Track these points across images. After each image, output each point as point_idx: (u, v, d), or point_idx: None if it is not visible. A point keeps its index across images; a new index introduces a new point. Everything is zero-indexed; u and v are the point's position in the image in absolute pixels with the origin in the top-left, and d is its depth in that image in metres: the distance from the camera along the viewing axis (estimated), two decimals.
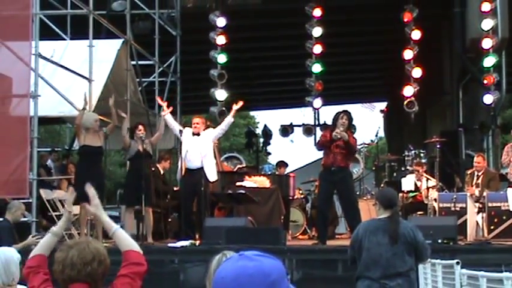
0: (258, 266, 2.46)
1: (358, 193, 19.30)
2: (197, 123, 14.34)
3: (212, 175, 14.28)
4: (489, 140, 20.45)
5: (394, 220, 7.49)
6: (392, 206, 7.62)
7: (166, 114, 14.57)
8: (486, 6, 18.42)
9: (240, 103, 14.83)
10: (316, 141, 14.10)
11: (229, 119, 14.65)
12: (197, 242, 13.16)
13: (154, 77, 19.48)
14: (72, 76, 14.85)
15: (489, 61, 18.74)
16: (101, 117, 14.03)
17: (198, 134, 14.16)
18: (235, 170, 17.93)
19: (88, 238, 4.12)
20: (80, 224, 13.88)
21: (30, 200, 13.39)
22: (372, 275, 7.36)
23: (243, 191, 14.75)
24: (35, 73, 13.52)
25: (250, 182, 15.83)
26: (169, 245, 13.19)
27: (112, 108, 14.03)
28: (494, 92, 18.90)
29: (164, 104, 14.82)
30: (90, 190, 4.39)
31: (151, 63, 19.30)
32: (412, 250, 7.42)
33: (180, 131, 14.31)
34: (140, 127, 14.37)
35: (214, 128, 14.95)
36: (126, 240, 4.26)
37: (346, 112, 14.07)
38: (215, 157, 16.28)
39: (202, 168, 13.99)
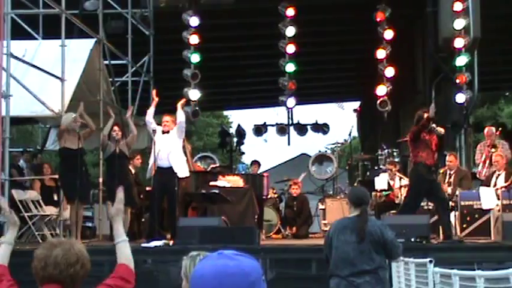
0: (239, 265, 2.46)
1: (331, 192, 19.36)
2: (167, 122, 14.31)
3: (182, 171, 14.23)
4: (461, 139, 20.55)
5: (361, 218, 7.53)
6: (362, 204, 7.64)
7: (153, 109, 14.54)
8: (458, 6, 18.51)
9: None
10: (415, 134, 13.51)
11: (178, 112, 14.49)
12: (170, 242, 13.14)
13: (127, 77, 19.42)
14: (44, 76, 14.76)
15: (461, 60, 18.84)
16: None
17: (168, 132, 14.14)
18: (208, 169, 17.91)
19: (72, 239, 4.11)
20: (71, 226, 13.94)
21: None
22: (341, 273, 7.43)
23: (216, 191, 14.74)
24: (7, 73, 13.41)
25: (223, 181, 15.82)
26: (143, 245, 13.14)
27: (84, 115, 13.99)
28: (467, 91, 19.01)
29: (156, 99, 14.69)
30: (120, 194, 4.44)
31: (124, 62, 19.24)
32: (380, 248, 7.45)
33: (154, 131, 14.29)
34: (115, 128, 14.37)
35: None
36: (126, 254, 4.31)
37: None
38: (187, 158, 16.29)
39: (171, 167, 13.97)
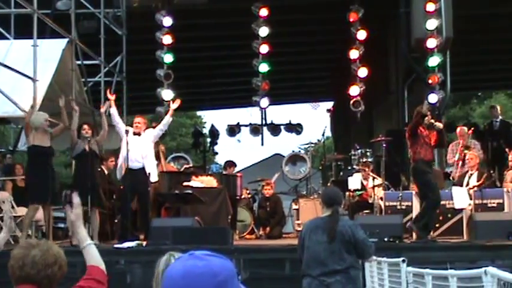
0: (207, 265, 2.44)
1: (304, 192, 19.36)
2: (138, 123, 14.34)
3: (153, 175, 14.26)
4: None
5: (333, 218, 7.55)
6: (333, 204, 7.67)
7: (113, 108, 14.50)
8: (431, 7, 18.59)
9: (178, 101, 14.90)
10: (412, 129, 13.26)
11: (167, 119, 14.65)
12: (144, 243, 13.10)
13: (100, 77, 19.32)
14: (16, 76, 14.65)
15: (434, 61, 18.92)
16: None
17: (139, 134, 14.13)
18: (182, 170, 17.87)
19: (48, 241, 4.10)
20: (23, 225, 13.76)
21: None
22: (312, 273, 7.48)
23: (190, 191, 14.70)
24: None
25: (197, 182, 15.79)
26: (116, 245, 13.09)
27: (62, 109, 13.92)
28: (439, 91, 19.09)
29: (112, 98, 14.68)
30: (76, 199, 4.38)
31: (96, 63, 19.14)
32: (351, 248, 7.48)
33: (126, 131, 14.23)
34: (85, 126, 14.28)
35: (154, 128, 14.92)
36: (95, 256, 4.28)
37: (429, 107, 13.85)
38: (159, 159, 16.26)
39: (143, 168, 13.97)
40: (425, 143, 13.19)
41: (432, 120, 13.46)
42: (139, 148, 14.02)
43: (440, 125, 13.71)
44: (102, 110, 14.86)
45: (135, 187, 13.97)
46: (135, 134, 14.16)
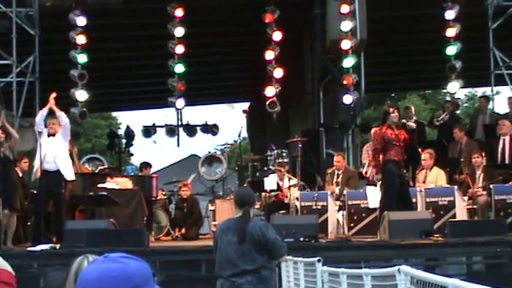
0: (122, 268, 2.41)
1: (221, 193, 19.35)
2: (53, 124, 14.07)
3: (69, 174, 14.05)
4: (349, 139, 20.86)
5: (243, 219, 7.59)
6: (244, 205, 7.70)
7: (46, 110, 14.24)
8: (345, 8, 18.78)
9: (53, 94, 14.57)
10: (377, 141, 13.34)
11: (58, 113, 14.31)
12: (57, 246, 12.90)
13: (12, 77, 18.97)
14: None
15: (348, 62, 19.12)
16: None
17: (54, 135, 13.91)
18: (96, 171, 17.68)
19: None
20: None
21: None
22: (224, 274, 7.52)
23: (104, 193, 14.54)
24: None
25: (112, 183, 15.63)
26: (29, 248, 12.86)
27: None
28: (354, 92, 19.29)
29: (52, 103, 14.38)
30: None
31: (8, 63, 18.79)
32: (262, 248, 7.50)
33: (40, 133, 13.98)
34: None
35: None
36: None
37: (396, 106, 14.01)
38: (73, 160, 16.03)
39: (58, 169, 13.77)
40: (394, 144, 13.31)
41: (404, 120, 13.73)
42: (53, 149, 13.80)
43: (413, 125, 13.92)
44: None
45: (50, 189, 13.76)
46: (49, 135, 13.93)
